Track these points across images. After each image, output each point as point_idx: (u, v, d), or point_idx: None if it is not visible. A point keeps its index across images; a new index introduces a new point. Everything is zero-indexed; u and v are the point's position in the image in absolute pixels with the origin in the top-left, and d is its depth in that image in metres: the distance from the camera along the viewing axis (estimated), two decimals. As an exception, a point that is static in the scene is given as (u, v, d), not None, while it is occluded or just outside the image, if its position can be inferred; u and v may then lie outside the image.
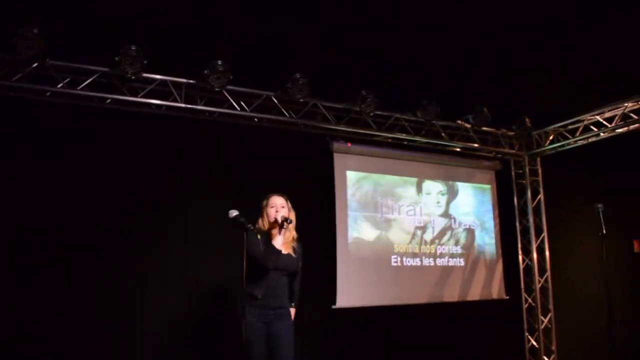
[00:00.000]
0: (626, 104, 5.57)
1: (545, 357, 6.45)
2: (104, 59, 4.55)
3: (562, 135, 6.34)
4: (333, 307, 5.56)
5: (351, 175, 5.97)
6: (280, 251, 3.52)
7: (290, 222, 3.56)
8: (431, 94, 5.86)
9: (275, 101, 5.38)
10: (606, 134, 5.85)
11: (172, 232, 4.98)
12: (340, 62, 5.37)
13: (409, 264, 6.10)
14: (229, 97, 5.17)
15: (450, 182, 6.60)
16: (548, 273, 6.58)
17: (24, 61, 4.25)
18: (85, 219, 4.70)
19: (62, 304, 4.44)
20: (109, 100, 4.76)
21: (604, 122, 5.82)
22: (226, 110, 5.21)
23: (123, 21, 4.48)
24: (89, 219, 4.72)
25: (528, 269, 6.74)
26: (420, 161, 6.41)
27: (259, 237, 3.43)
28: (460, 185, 6.66)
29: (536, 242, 6.69)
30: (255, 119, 5.39)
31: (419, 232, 6.25)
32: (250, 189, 4.33)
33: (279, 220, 3.53)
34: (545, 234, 6.66)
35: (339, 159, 5.92)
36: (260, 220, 3.68)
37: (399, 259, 6.06)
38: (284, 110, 5.43)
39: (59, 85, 4.50)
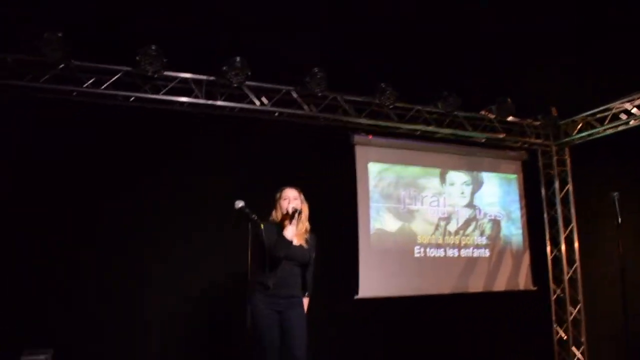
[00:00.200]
0: (656, 91, 5.37)
1: (574, 349, 6.33)
2: (128, 58, 4.68)
3: (591, 124, 6.15)
4: (355, 297, 5.61)
5: (373, 167, 5.98)
6: (291, 242, 3.59)
7: (300, 213, 3.62)
8: (453, 85, 5.82)
9: (295, 96, 5.45)
10: (636, 122, 5.64)
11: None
12: (360, 55, 5.41)
13: (432, 255, 6.08)
14: (249, 93, 5.26)
15: (475, 173, 6.51)
16: (577, 264, 6.43)
17: (51, 63, 4.45)
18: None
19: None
20: (132, 98, 4.92)
21: (634, 110, 5.62)
22: (246, 106, 5.30)
23: (143, 20, 4.63)
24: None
25: (556, 260, 6.61)
26: (444, 152, 6.36)
27: (262, 226, 3.46)
28: (485, 176, 6.56)
29: (564, 232, 6.55)
30: (276, 114, 5.45)
31: (442, 223, 6.21)
32: (272, 183, 4.15)
33: (290, 211, 3.60)
34: (574, 224, 6.50)
35: (360, 151, 5.94)
36: (273, 212, 3.77)
37: (422, 249, 6.05)
38: (304, 105, 5.49)
39: (84, 85, 4.69)
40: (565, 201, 6.59)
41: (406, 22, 5.05)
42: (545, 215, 6.70)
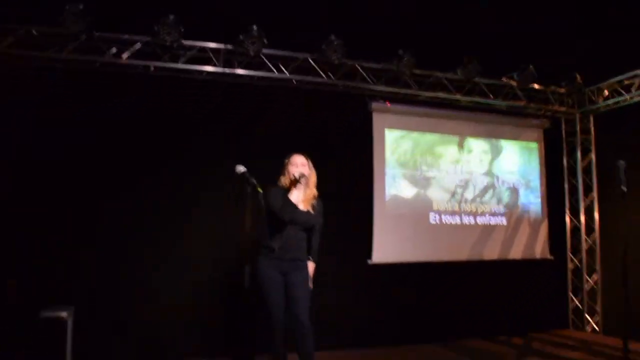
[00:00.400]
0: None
1: (587, 316, 6.38)
2: (147, 28, 4.78)
3: (617, 92, 5.97)
4: (369, 262, 5.73)
5: (390, 134, 6.01)
6: (296, 206, 3.70)
7: (304, 177, 3.71)
8: (474, 51, 5.72)
9: (313, 63, 5.48)
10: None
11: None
12: (379, 20, 5.36)
13: (448, 222, 6.14)
14: (267, 61, 5.33)
15: (494, 140, 6.44)
16: (596, 233, 6.39)
17: (73, 35, 4.60)
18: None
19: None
20: (152, 68, 5.06)
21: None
22: (265, 74, 5.38)
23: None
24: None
25: (575, 230, 6.58)
26: (463, 119, 6.30)
27: (260, 191, 3.49)
28: (505, 144, 6.49)
29: (584, 202, 6.48)
30: (294, 81, 5.52)
31: (459, 190, 6.23)
32: (291, 150, 3.99)
33: (296, 176, 3.72)
34: (594, 193, 6.42)
35: (377, 118, 5.96)
36: (282, 178, 3.86)
37: (437, 216, 6.11)
38: (321, 72, 5.53)
39: (106, 56, 4.85)
40: (587, 170, 6.49)
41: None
42: (566, 185, 6.64)
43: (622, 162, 3.78)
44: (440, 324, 5.93)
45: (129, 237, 4.94)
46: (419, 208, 6.04)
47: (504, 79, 6.07)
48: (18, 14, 4.50)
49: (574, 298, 6.56)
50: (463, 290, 6.10)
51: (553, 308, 6.53)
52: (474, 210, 6.28)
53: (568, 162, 6.65)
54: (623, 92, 5.88)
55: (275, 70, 5.39)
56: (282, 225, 3.70)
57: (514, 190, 6.49)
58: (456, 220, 6.19)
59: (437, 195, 6.13)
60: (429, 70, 5.84)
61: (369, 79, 5.71)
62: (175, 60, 5.09)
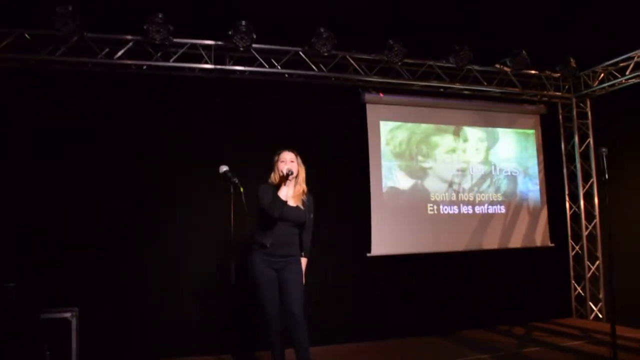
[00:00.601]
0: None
1: (591, 304, 6.32)
2: (137, 28, 4.82)
3: (612, 75, 5.92)
4: (368, 254, 5.74)
5: (385, 125, 6.00)
6: (285, 202, 3.74)
7: (292, 174, 3.74)
8: (466, 38, 5.71)
9: (303, 56, 5.51)
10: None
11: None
12: (368, 11, 5.36)
13: (445, 212, 6.12)
14: (257, 56, 5.37)
15: (490, 129, 6.41)
16: (597, 220, 6.34)
17: (65, 37, 4.68)
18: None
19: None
20: (145, 67, 5.13)
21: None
22: (257, 69, 5.42)
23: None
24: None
25: (575, 216, 6.53)
26: (458, 108, 6.29)
27: (242, 189, 3.63)
28: (501, 131, 6.46)
29: (584, 188, 6.43)
30: (286, 75, 5.56)
31: (456, 180, 6.21)
32: (286, 145, 4.03)
33: (285, 173, 3.76)
34: (594, 179, 6.36)
35: (371, 110, 5.96)
36: (272, 174, 3.91)
37: (435, 207, 6.09)
38: (312, 65, 5.56)
39: (98, 57, 4.92)
40: (585, 156, 6.44)
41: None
42: (565, 170, 6.59)
43: (604, 150, 3.77)
44: (441, 315, 5.92)
45: (129, 237, 5.00)
46: (417, 199, 6.03)
47: (497, 66, 6.04)
48: (11, 18, 4.58)
49: (576, 286, 6.50)
50: (464, 281, 6.11)
51: (556, 296, 6.48)
52: (472, 199, 6.25)
53: (566, 147, 6.60)
54: (618, 75, 5.82)
55: (266, 65, 5.43)
56: (272, 221, 3.75)
57: (512, 178, 6.46)
58: (454, 210, 6.17)
59: (434, 186, 6.12)
60: (421, 59, 5.84)
61: (360, 71, 5.72)
62: (167, 59, 5.16)
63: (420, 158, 6.10)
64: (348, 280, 5.66)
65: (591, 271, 6.36)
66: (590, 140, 6.41)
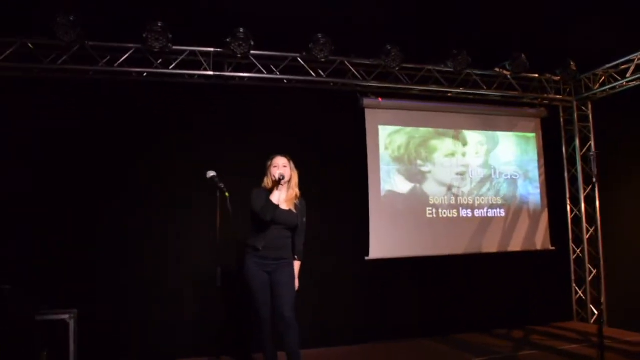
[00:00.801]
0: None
1: (592, 307, 6.29)
2: (137, 36, 4.91)
3: (613, 77, 5.88)
4: (366, 258, 5.77)
5: (384, 130, 6.03)
6: (277, 206, 3.80)
7: (283, 178, 3.81)
8: (465, 42, 5.71)
9: (302, 62, 5.57)
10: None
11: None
12: (366, 17, 5.39)
13: (445, 216, 6.13)
14: (256, 62, 5.43)
15: (490, 132, 6.40)
16: (598, 223, 6.28)
17: (66, 45, 4.80)
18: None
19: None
20: (145, 74, 5.23)
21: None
22: (255, 75, 5.49)
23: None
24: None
25: (576, 219, 6.50)
26: (457, 112, 6.28)
27: (227, 195, 3.72)
28: (501, 135, 6.44)
29: (585, 191, 6.40)
30: (285, 81, 5.62)
31: (456, 184, 6.21)
32: (285, 150, 4.11)
33: (277, 177, 3.82)
34: (595, 182, 6.31)
35: (370, 114, 5.99)
36: (265, 179, 3.97)
37: (434, 210, 6.10)
38: (310, 71, 5.61)
39: (99, 64, 5.02)
40: (586, 159, 6.39)
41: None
42: (566, 174, 6.56)
43: (592, 153, 3.77)
44: (440, 318, 5.93)
45: (129, 238, 5.07)
46: (415, 203, 6.05)
47: (497, 70, 6.03)
48: (13, 27, 4.71)
49: (577, 289, 6.47)
50: (464, 284, 6.11)
51: (557, 300, 6.45)
52: (472, 203, 6.25)
53: (567, 150, 6.56)
54: (619, 77, 5.78)
55: (265, 71, 5.49)
56: (265, 225, 3.82)
57: (512, 182, 6.44)
58: (453, 213, 6.17)
59: (433, 190, 6.13)
60: (419, 64, 5.86)
61: (359, 76, 5.77)
62: (167, 66, 5.25)
63: (419, 162, 6.12)
64: (347, 283, 5.70)
65: (592, 274, 6.32)
66: (592, 143, 6.37)
